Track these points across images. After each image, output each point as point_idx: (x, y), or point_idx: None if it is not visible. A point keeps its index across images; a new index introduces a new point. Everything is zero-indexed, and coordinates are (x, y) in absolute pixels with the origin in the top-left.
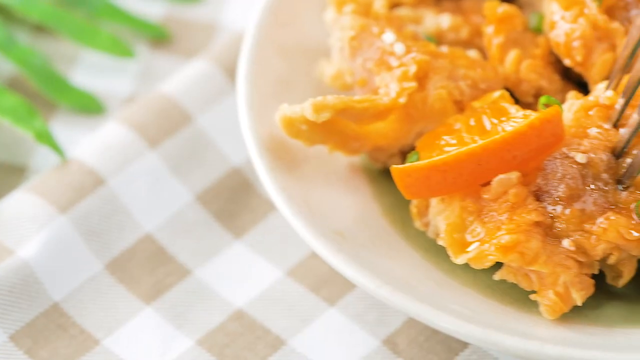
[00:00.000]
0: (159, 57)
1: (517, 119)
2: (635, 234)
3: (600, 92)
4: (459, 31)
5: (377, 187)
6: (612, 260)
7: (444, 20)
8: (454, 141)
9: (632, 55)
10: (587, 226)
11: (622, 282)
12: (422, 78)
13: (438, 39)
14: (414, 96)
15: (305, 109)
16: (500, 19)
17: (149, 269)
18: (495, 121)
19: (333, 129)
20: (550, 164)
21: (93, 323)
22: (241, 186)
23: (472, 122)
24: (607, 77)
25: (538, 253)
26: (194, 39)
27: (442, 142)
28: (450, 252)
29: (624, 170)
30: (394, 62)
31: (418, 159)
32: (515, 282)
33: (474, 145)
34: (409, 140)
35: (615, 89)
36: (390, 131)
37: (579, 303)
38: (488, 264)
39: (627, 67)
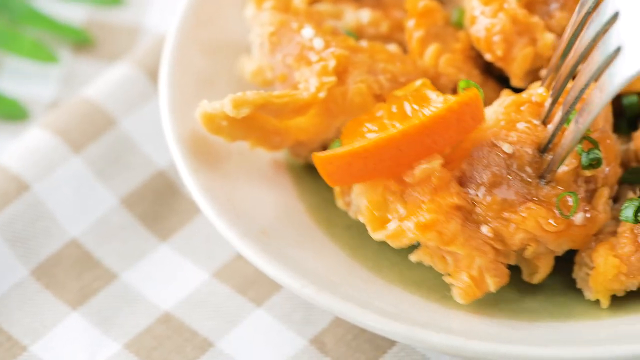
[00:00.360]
0: (82, 61)
1: (437, 104)
2: (554, 227)
3: (534, 89)
4: (379, 26)
5: (302, 186)
6: (529, 252)
7: (364, 15)
8: (375, 128)
9: (565, 54)
10: (507, 214)
11: (537, 278)
12: (341, 72)
13: (358, 33)
14: (333, 91)
15: (224, 105)
16: (421, 13)
17: (75, 274)
18: (416, 107)
19: (253, 124)
20: (477, 152)
21: (20, 329)
22: (166, 189)
23: (393, 109)
24: (528, 71)
25: (456, 234)
26: (117, 42)
27: (364, 130)
28: (369, 228)
29: (546, 166)
30: (313, 57)
31: (340, 147)
32: (431, 263)
33: (393, 130)
34: (330, 135)
35: (548, 87)
36: (310, 126)
37: (492, 289)
38: (406, 241)
39: (557, 70)
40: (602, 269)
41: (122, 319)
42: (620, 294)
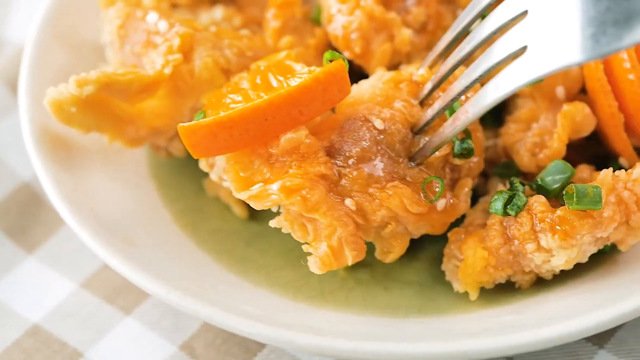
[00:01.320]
0: None
1: (303, 74)
2: (418, 208)
3: (414, 68)
4: (232, 20)
5: (167, 193)
6: (388, 230)
7: (217, 13)
8: (239, 98)
9: (452, 44)
10: (372, 190)
11: (391, 258)
12: (187, 51)
13: None
14: (180, 68)
15: (69, 85)
16: (280, 5)
17: None
18: (281, 78)
19: (104, 110)
20: (349, 124)
21: None
22: (31, 201)
23: (258, 80)
24: (387, 67)
25: (320, 202)
26: None
27: (228, 101)
28: (233, 187)
29: (418, 148)
30: (158, 40)
31: (205, 118)
32: (290, 230)
33: (259, 100)
34: (185, 118)
35: (431, 68)
36: (163, 108)
37: (350, 262)
38: (268, 204)
39: (445, 53)
40: (471, 261)
41: None
42: (489, 286)
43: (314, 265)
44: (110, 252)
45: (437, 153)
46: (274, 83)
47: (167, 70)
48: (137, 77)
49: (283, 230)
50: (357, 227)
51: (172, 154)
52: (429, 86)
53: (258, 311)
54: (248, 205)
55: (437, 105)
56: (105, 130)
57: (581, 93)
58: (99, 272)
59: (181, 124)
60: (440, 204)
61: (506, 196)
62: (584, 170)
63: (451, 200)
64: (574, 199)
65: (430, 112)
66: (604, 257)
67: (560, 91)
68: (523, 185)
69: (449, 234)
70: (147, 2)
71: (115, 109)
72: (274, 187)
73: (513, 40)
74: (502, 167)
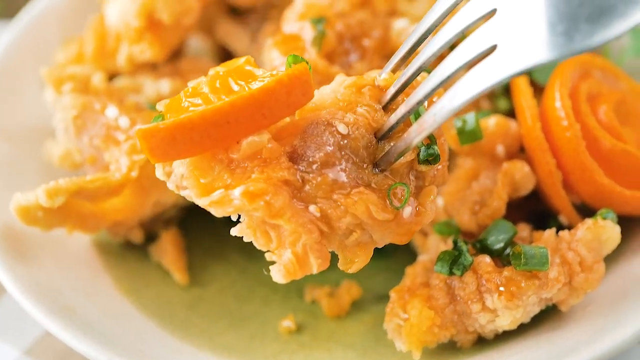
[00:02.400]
0: None
1: (265, 77)
2: (384, 215)
3: (376, 73)
4: None
5: (108, 259)
6: (352, 239)
7: (164, 86)
8: (199, 101)
9: (415, 47)
10: (337, 196)
11: (355, 268)
12: None
13: None
14: (145, 168)
15: (39, 196)
16: None
17: None
18: (242, 83)
19: (69, 211)
20: (311, 129)
21: None
22: None
23: (217, 85)
24: None
25: (284, 207)
26: None
27: (187, 104)
28: (193, 193)
29: (382, 154)
30: (120, 136)
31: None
32: (253, 238)
33: (221, 102)
34: (147, 212)
35: (394, 72)
36: (126, 205)
37: (315, 270)
38: (230, 210)
39: (408, 56)
40: (417, 321)
41: None
42: (432, 345)
43: (278, 274)
44: (52, 319)
45: (402, 159)
46: (235, 87)
47: (134, 174)
48: (105, 183)
49: (245, 239)
50: (322, 234)
51: (130, 240)
52: (392, 91)
53: None
54: (188, 270)
55: (401, 110)
56: (66, 225)
57: (521, 151)
58: (42, 338)
59: (139, 127)
60: (406, 211)
61: (451, 256)
62: (524, 229)
63: (417, 208)
64: (522, 260)
65: (394, 117)
66: (545, 315)
67: (500, 149)
68: (466, 244)
69: (390, 292)
70: (97, 83)
71: (78, 208)
72: (236, 192)
73: (482, 39)
74: (442, 225)
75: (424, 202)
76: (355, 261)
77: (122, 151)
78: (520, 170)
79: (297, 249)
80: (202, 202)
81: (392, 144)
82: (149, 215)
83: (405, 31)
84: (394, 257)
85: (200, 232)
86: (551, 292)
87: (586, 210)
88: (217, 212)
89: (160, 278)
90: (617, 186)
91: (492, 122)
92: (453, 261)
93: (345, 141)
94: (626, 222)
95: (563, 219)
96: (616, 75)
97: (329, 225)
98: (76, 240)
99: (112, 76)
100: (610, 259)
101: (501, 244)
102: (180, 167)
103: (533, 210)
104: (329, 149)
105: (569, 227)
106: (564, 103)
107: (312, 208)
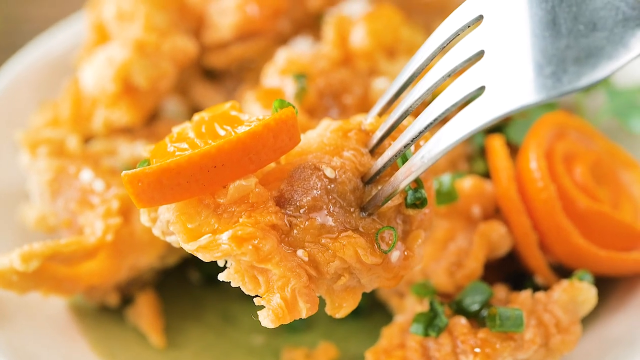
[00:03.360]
0: None
1: (252, 122)
2: (372, 259)
3: (362, 117)
4: None
5: (84, 322)
6: (340, 283)
7: (139, 149)
8: (185, 146)
9: (401, 91)
10: (325, 241)
11: (343, 313)
12: (126, 212)
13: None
14: (120, 231)
15: (13, 260)
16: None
17: None
18: (228, 128)
19: (44, 274)
20: (298, 173)
21: None
22: None
23: (203, 129)
24: None
25: (272, 251)
26: None
27: (173, 149)
28: (181, 238)
29: (369, 198)
30: (95, 200)
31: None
32: (240, 283)
33: (207, 146)
34: (123, 275)
35: (380, 115)
36: (102, 269)
37: (304, 315)
38: (218, 254)
39: (393, 102)
40: None
41: None
42: None
43: (267, 319)
44: None
45: (389, 203)
46: (221, 132)
47: (109, 237)
48: (80, 247)
49: (232, 284)
50: (310, 279)
51: (106, 304)
52: (378, 134)
53: None
54: (165, 333)
55: (387, 153)
56: (41, 289)
57: (497, 212)
58: None
59: (125, 172)
60: (395, 256)
61: (427, 317)
62: (501, 290)
63: (405, 253)
64: (497, 322)
65: (381, 161)
66: None
67: (476, 210)
68: (442, 305)
69: (366, 353)
70: (72, 146)
71: (53, 272)
72: (224, 236)
73: (470, 81)
74: (419, 286)
75: (411, 246)
76: (344, 306)
77: (97, 214)
78: (496, 231)
79: (285, 294)
80: (189, 247)
81: (379, 187)
82: (125, 279)
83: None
84: (371, 318)
85: (177, 294)
86: (527, 353)
87: (563, 271)
88: (205, 257)
89: (137, 341)
90: (593, 247)
91: (467, 183)
92: (429, 322)
93: (333, 185)
94: (602, 283)
95: (539, 279)
96: (592, 136)
97: (317, 270)
98: (52, 303)
99: (87, 139)
100: (587, 320)
101: (477, 306)
102: (166, 212)
103: (510, 270)
104: (316, 192)
105: (546, 288)
106: (540, 164)
107: (300, 252)
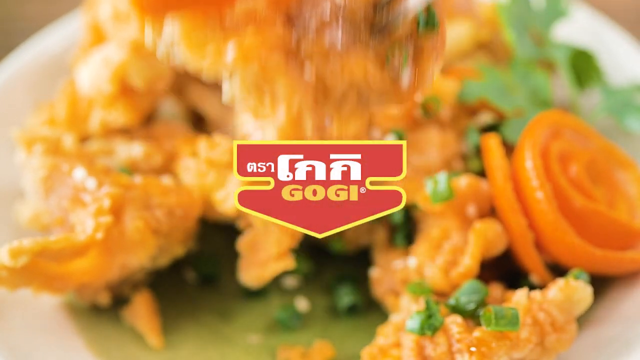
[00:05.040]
0: None
1: None
2: (382, 77)
3: None
4: (152, 159)
5: (81, 321)
6: (347, 106)
7: (136, 150)
8: None
9: None
10: (333, 59)
11: (351, 131)
12: (117, 211)
13: (132, 168)
14: (111, 230)
15: (1, 255)
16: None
17: None
18: None
19: (34, 271)
20: None
21: None
22: None
23: None
24: None
25: (280, 64)
26: None
27: None
28: (187, 53)
29: (380, 22)
30: (87, 198)
31: None
32: (246, 98)
33: None
34: (113, 274)
35: None
36: (92, 267)
37: (309, 133)
38: (225, 65)
39: None
40: None
41: None
42: None
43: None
44: None
45: (401, 26)
46: None
47: (99, 235)
48: (69, 244)
49: (237, 99)
50: (316, 102)
51: (97, 303)
52: None
53: None
54: (163, 334)
55: None
56: (32, 286)
57: (492, 211)
58: None
59: None
60: (405, 76)
61: (423, 316)
62: (496, 288)
63: (416, 73)
64: (492, 321)
65: None
66: None
67: (471, 209)
68: (438, 304)
69: (362, 352)
70: (68, 145)
71: (44, 268)
72: (230, 49)
73: None
74: (414, 285)
75: (422, 67)
76: (350, 126)
77: (88, 212)
78: (492, 229)
79: (291, 108)
80: (195, 64)
81: (390, 11)
82: (116, 278)
83: None
84: (366, 317)
85: (173, 293)
86: (522, 352)
87: (558, 269)
88: (209, 74)
89: (133, 340)
90: (588, 246)
91: (463, 182)
92: (424, 321)
93: (343, 6)
94: (598, 282)
95: (535, 278)
96: (587, 134)
97: (323, 93)
98: (47, 303)
99: (84, 139)
100: (582, 319)
101: (473, 305)
102: (170, 29)
103: (506, 269)
104: (326, 15)
105: (541, 287)
106: (535, 163)
107: (307, 70)
